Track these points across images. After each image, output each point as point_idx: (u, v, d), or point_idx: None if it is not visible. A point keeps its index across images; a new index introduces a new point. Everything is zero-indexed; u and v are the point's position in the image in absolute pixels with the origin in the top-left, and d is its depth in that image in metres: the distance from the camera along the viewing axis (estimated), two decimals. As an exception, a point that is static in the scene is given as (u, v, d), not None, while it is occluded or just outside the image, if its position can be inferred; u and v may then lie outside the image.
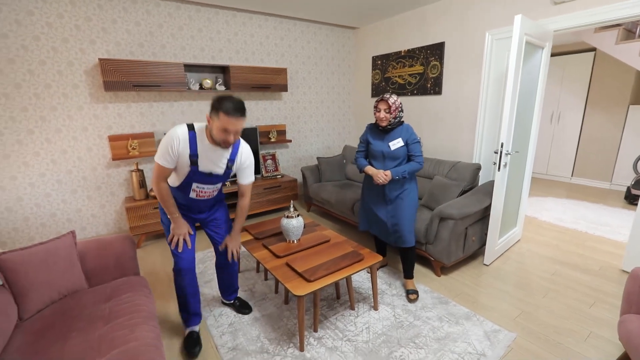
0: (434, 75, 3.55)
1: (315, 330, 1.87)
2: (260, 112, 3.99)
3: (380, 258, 1.95)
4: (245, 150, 1.73)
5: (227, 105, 1.44)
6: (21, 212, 2.86)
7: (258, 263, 2.60)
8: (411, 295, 2.17)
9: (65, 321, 1.40)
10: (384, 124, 2.07)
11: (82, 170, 3.06)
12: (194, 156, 1.57)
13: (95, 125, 3.05)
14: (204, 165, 1.61)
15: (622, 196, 4.39)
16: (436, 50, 3.48)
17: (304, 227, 2.36)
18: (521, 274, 2.50)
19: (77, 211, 3.11)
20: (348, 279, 1.99)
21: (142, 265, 2.76)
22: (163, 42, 3.23)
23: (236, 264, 2.06)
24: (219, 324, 1.97)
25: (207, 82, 3.42)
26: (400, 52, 3.90)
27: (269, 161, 4.00)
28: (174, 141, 1.52)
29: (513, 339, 1.80)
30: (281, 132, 4.13)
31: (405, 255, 2.25)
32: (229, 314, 2.07)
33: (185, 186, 1.66)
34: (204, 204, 1.79)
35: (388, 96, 2.03)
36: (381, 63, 4.19)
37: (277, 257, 1.96)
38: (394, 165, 2.11)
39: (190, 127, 1.56)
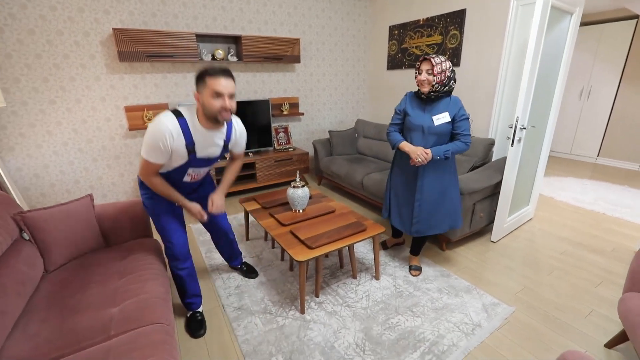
0: (452, 46, 3.38)
1: (317, 296, 1.95)
2: (273, 84, 3.96)
3: (383, 229, 1.97)
4: (239, 128, 1.67)
5: (210, 70, 1.36)
6: (47, 178, 3.04)
7: (266, 231, 2.69)
8: (414, 271, 2.18)
9: (85, 274, 1.53)
10: (425, 89, 1.78)
11: (101, 140, 3.19)
12: (190, 145, 1.45)
13: (112, 95, 3.13)
14: (202, 151, 1.52)
15: (651, 178, 4.16)
16: (457, 19, 3.29)
17: (311, 198, 2.41)
18: (529, 251, 2.48)
19: (98, 179, 3.28)
20: (350, 248, 2.05)
21: (155, 231, 2.92)
22: (175, 11, 3.21)
23: (231, 233, 2.03)
24: (227, 285, 2.09)
25: (220, 53, 3.40)
26: (418, 20, 3.71)
27: (281, 134, 4.01)
28: (166, 137, 1.36)
29: (511, 312, 1.82)
30: (294, 105, 4.10)
31: (421, 238, 2.16)
32: (236, 277, 2.19)
33: (179, 172, 1.56)
34: (194, 184, 1.74)
35: (433, 55, 1.74)
36: (398, 33, 4.01)
37: (282, 225, 2.02)
38: (434, 144, 1.84)
39: (178, 114, 1.41)
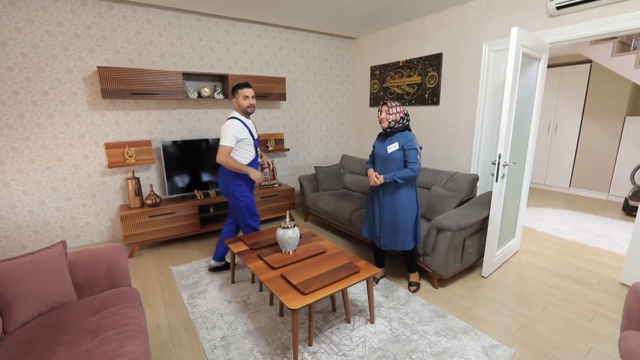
0: (431, 86, 3.57)
1: (310, 345, 1.83)
2: (258, 121, 3.99)
3: (377, 270, 1.92)
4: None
5: (240, 85, 2.41)
6: (14, 219, 2.82)
7: (253, 274, 2.56)
8: (412, 287, 2.41)
9: (51, 334, 1.36)
10: (383, 125, 2.21)
11: (77, 178, 3.03)
12: (249, 131, 2.44)
13: (93, 132, 3.03)
14: (254, 133, 2.51)
15: (620, 207, 4.38)
16: (434, 61, 3.50)
17: (300, 238, 2.34)
18: (520, 286, 2.47)
19: (71, 219, 3.07)
20: (344, 292, 1.96)
21: (135, 274, 2.72)
22: (162, 50, 3.25)
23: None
24: (212, 337, 1.93)
25: (206, 91, 3.42)
26: (398, 62, 3.93)
27: (267, 170, 3.98)
28: (237, 127, 2.36)
29: (512, 354, 1.76)
30: (279, 141, 4.12)
31: (406, 255, 2.42)
32: (222, 326, 2.02)
33: (255, 155, 2.54)
34: (257, 165, 2.62)
35: (389, 101, 2.21)
36: (379, 73, 4.22)
37: (272, 268, 1.93)
38: (392, 170, 2.21)
39: (235, 118, 2.40)
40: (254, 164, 2.53)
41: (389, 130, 2.22)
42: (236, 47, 3.67)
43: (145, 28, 3.12)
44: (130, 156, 3.16)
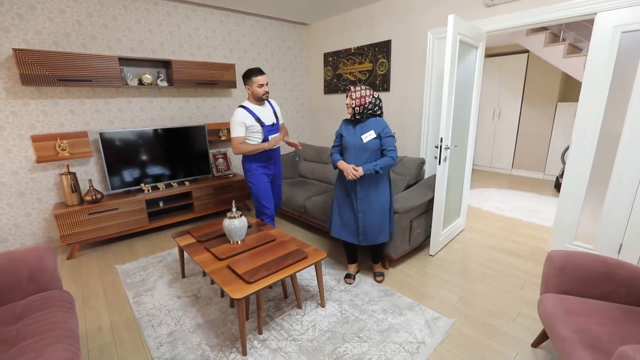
0: (382, 73, 3.63)
1: (260, 333, 1.82)
2: (208, 109, 3.82)
3: (324, 255, 1.94)
4: (275, 102, 2.62)
5: (253, 72, 2.33)
6: None
7: (205, 267, 2.49)
8: (378, 277, 2.36)
9: (-41, 348, 1.22)
10: (349, 110, 2.09)
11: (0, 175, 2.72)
12: (257, 117, 2.38)
13: (15, 123, 2.72)
14: (265, 119, 2.43)
15: (553, 185, 4.83)
16: (383, 48, 3.56)
17: (250, 227, 2.30)
18: (463, 262, 2.64)
19: (-5, 221, 2.76)
20: (293, 278, 1.97)
21: (75, 277, 2.53)
22: (94, 32, 2.96)
23: (279, 205, 2.89)
24: (157, 334, 1.85)
25: (147, 78, 3.20)
26: (350, 49, 3.94)
27: (220, 160, 3.85)
28: (241, 117, 2.34)
29: (451, 324, 1.89)
30: (232, 130, 3.98)
31: (375, 247, 2.33)
32: (169, 322, 1.95)
33: (266, 141, 2.44)
34: (276, 152, 2.60)
35: (355, 86, 2.09)
36: (332, 60, 4.21)
37: (219, 259, 1.88)
38: (367, 160, 2.07)
39: (242, 107, 2.39)
40: (263, 152, 2.48)
41: (357, 117, 2.08)
42: (180, 30, 3.45)
43: (71, 7, 2.82)
44: (63, 149, 2.89)
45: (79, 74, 2.76)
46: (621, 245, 2.37)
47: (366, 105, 2.05)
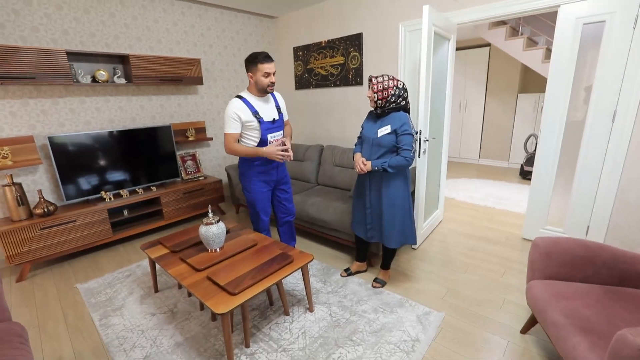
0: (354, 66, 3.58)
1: (247, 346, 1.70)
2: (173, 108, 3.56)
3: (311, 257, 1.84)
4: (279, 95, 2.23)
5: (259, 57, 1.91)
6: None
7: (179, 278, 2.30)
8: (376, 283, 2.21)
9: None
10: (371, 104, 1.95)
11: None
12: (255, 111, 2.00)
13: (-59, 130, 2.34)
14: (265, 114, 2.04)
15: (517, 172, 5.08)
16: (355, 41, 3.50)
17: (228, 232, 2.15)
18: (445, 253, 2.67)
19: None
20: (279, 284, 1.86)
21: (26, 302, 2.23)
22: (34, 23, 2.62)
23: (294, 215, 2.45)
24: (131, 359, 1.66)
25: (102, 74, 2.90)
26: (320, 42, 3.84)
27: (189, 162, 3.61)
28: (236, 109, 1.96)
29: (442, 318, 1.88)
30: (200, 130, 3.76)
31: (386, 250, 2.21)
32: (144, 344, 1.76)
33: (264, 142, 2.04)
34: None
35: (376, 75, 1.93)
36: (303, 54, 4.09)
37: (197, 270, 1.72)
38: (380, 155, 1.94)
39: (239, 97, 2.01)
40: (264, 145, 2.07)
41: (379, 111, 1.94)
42: (136, 22, 3.16)
43: (5, -6, 2.47)
44: (4, 157, 2.53)
45: (18, 71, 2.42)
46: (588, 227, 2.50)
47: (389, 98, 1.87)
